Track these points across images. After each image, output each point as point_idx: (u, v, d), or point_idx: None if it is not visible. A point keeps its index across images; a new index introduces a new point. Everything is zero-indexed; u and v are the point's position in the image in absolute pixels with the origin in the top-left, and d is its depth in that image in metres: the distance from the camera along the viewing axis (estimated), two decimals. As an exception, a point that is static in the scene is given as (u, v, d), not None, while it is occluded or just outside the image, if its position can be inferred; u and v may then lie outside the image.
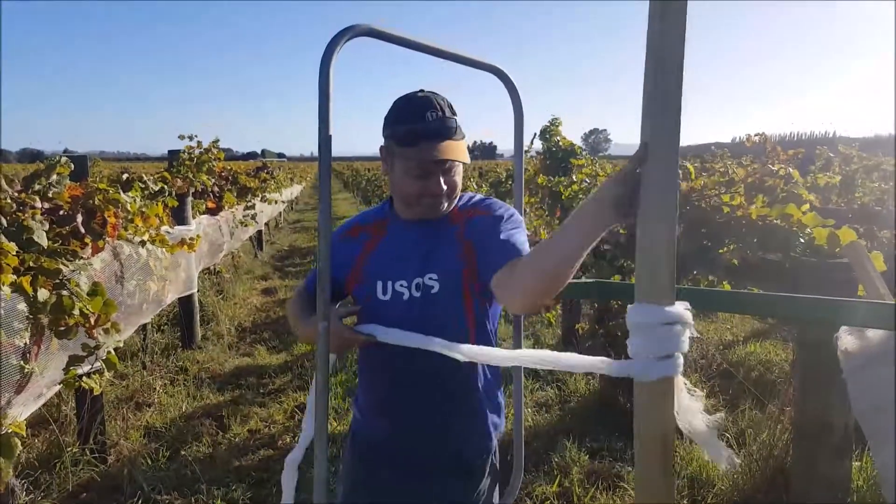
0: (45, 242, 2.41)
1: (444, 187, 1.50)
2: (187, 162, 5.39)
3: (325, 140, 1.28)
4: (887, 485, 1.27)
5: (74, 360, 2.50)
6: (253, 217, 8.28)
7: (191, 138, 5.57)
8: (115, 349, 2.64)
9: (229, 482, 3.42)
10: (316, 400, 1.39)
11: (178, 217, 5.04)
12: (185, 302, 5.53)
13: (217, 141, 5.79)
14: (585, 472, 3.50)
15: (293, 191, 20.80)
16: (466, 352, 1.35)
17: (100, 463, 3.46)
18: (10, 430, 1.89)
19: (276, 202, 11.67)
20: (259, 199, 9.24)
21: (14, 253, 2.08)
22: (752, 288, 2.96)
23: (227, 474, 3.51)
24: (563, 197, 5.31)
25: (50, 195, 2.77)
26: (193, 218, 5.50)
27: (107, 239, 2.94)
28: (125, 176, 3.74)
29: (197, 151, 5.55)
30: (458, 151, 1.48)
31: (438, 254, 1.55)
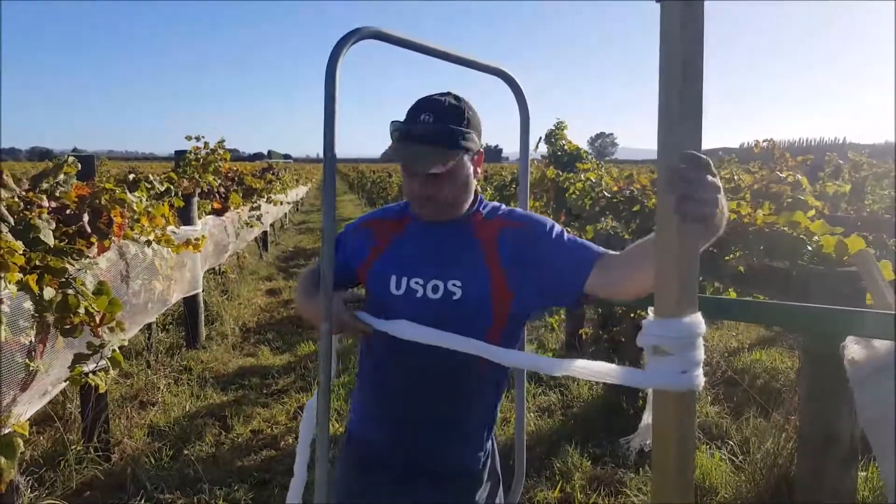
0: (51, 241, 2.42)
1: (420, 192, 1.49)
2: (194, 162, 5.41)
3: (330, 142, 1.28)
4: (893, 495, 1.26)
5: (80, 358, 2.51)
6: (258, 218, 8.30)
7: (197, 139, 5.59)
8: (120, 348, 2.64)
9: (232, 482, 3.42)
10: (318, 399, 1.39)
11: (184, 217, 5.06)
12: (190, 302, 5.55)
13: (223, 142, 5.81)
14: (587, 477, 3.48)
15: (299, 192, 20.84)
16: (477, 349, 1.33)
17: (103, 461, 3.47)
18: (13, 430, 1.89)
19: (281, 203, 11.69)
20: (265, 199, 9.26)
21: (21, 251, 2.08)
22: (757, 296, 2.94)
23: (229, 474, 3.52)
24: (568, 196, 5.28)
25: (57, 194, 2.78)
26: (199, 218, 5.51)
27: (113, 238, 2.95)
28: (132, 176, 3.76)
29: (203, 152, 5.58)
30: (423, 158, 1.44)
31: (461, 260, 1.52)
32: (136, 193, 3.36)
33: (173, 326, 5.96)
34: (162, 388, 4.59)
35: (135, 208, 3.22)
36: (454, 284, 1.49)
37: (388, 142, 1.53)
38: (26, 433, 2.02)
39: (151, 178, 3.92)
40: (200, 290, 5.58)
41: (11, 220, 2.33)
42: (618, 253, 1.43)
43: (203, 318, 5.91)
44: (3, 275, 2.03)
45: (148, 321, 4.22)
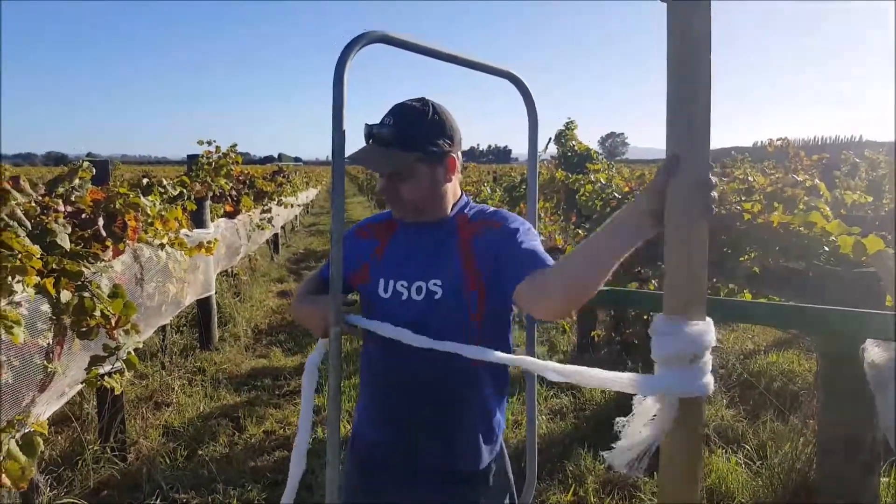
0: (67, 245, 2.44)
1: (383, 192, 1.56)
2: (206, 166, 5.45)
3: (339, 145, 1.30)
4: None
5: (96, 360, 2.53)
6: (269, 220, 8.33)
7: (209, 143, 5.63)
8: (135, 350, 2.67)
9: (245, 483, 3.44)
10: (329, 402, 1.40)
11: (197, 220, 5.09)
12: (203, 304, 5.58)
13: (235, 146, 5.85)
14: (601, 481, 3.45)
15: (309, 194, 20.92)
16: (465, 351, 1.34)
17: (120, 461, 3.50)
18: (33, 430, 1.92)
19: (291, 206, 11.74)
20: (275, 202, 9.30)
21: (38, 255, 2.11)
22: (773, 297, 2.90)
23: (242, 475, 3.54)
24: (579, 197, 5.26)
25: (72, 199, 2.81)
26: (212, 221, 5.54)
27: (127, 242, 2.97)
28: (145, 180, 3.78)
29: (215, 156, 5.61)
30: (378, 160, 1.53)
31: (442, 260, 1.56)
32: (149, 197, 3.39)
33: (187, 328, 6.00)
34: (176, 388, 4.63)
35: (148, 212, 3.24)
36: (435, 284, 1.53)
37: None
38: (46, 432, 2.04)
39: (164, 182, 3.95)
40: (213, 292, 5.62)
41: (29, 225, 2.35)
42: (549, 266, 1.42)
43: (216, 319, 5.94)
44: (21, 278, 2.05)
45: (162, 323, 4.26)
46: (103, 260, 2.74)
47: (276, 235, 11.17)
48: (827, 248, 2.46)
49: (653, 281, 3.93)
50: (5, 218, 2.28)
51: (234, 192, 6.58)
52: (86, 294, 2.40)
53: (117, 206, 2.92)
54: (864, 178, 6.11)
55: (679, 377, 0.97)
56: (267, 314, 7.28)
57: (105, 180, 3.45)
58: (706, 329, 0.97)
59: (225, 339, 6.01)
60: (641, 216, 1.10)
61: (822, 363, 2.49)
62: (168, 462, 3.62)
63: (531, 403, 1.81)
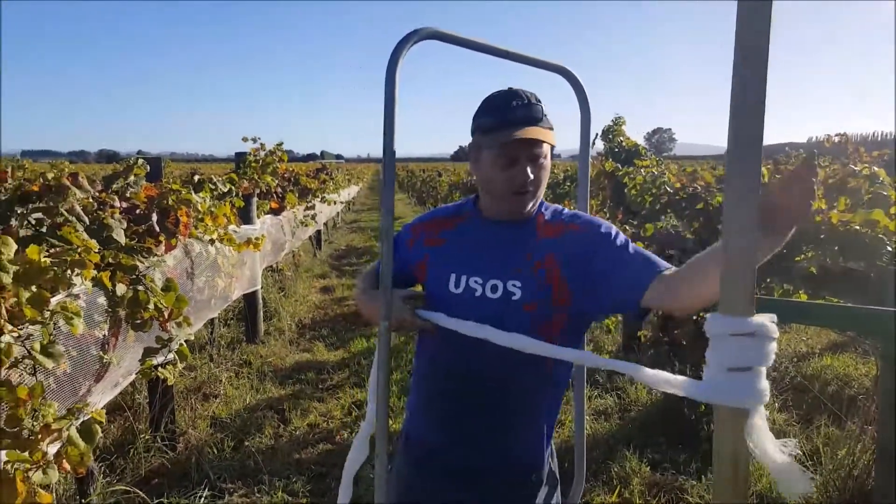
0: (123, 240, 2.53)
1: (531, 176, 1.47)
2: (253, 164, 5.56)
3: (389, 142, 1.29)
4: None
5: (150, 352, 2.62)
6: (313, 217, 8.46)
7: (255, 140, 5.74)
8: (186, 341, 2.75)
9: (290, 474, 3.51)
10: (377, 398, 1.38)
11: (244, 217, 5.21)
12: (250, 298, 5.70)
13: (281, 144, 5.96)
14: (646, 483, 3.40)
15: (350, 191, 21.13)
16: (532, 346, 1.29)
17: (169, 450, 3.61)
18: (91, 417, 2.00)
19: (334, 203, 11.88)
20: (319, 199, 9.44)
21: (95, 250, 2.19)
22: (830, 298, 2.80)
23: (287, 467, 3.61)
24: (628, 192, 5.17)
25: (128, 195, 2.92)
26: (258, 218, 5.67)
27: (179, 237, 3.07)
28: (196, 177, 3.89)
29: (262, 154, 5.72)
30: (544, 135, 1.45)
31: (522, 261, 1.51)
32: (200, 194, 3.49)
33: (234, 322, 6.15)
34: (224, 380, 4.74)
35: (199, 208, 3.34)
36: (514, 285, 1.48)
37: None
38: (103, 421, 2.13)
39: (214, 179, 4.06)
40: (259, 286, 5.74)
41: (87, 220, 2.45)
42: (677, 269, 1.40)
43: (262, 314, 6.07)
44: (79, 272, 2.14)
45: (211, 316, 4.37)
46: (156, 254, 2.84)
47: (318, 232, 11.33)
48: (890, 248, 2.36)
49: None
50: (65, 213, 2.38)
51: (279, 190, 6.71)
52: (140, 287, 2.49)
53: (170, 202, 3.02)
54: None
55: (732, 385, 0.92)
56: (310, 309, 7.40)
57: (158, 177, 3.57)
58: (768, 335, 0.91)
59: (270, 332, 6.14)
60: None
61: (883, 367, 2.39)
62: (216, 452, 3.71)
63: (579, 403, 1.78)
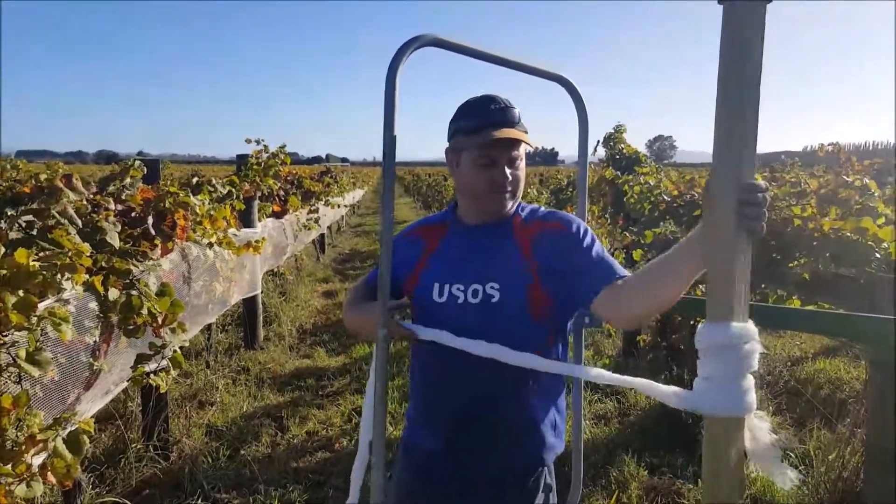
0: (117, 243, 2.47)
1: (510, 177, 1.52)
2: (255, 166, 5.51)
3: (390, 146, 1.30)
4: None
5: (142, 359, 2.55)
6: (316, 220, 8.41)
7: (258, 142, 5.69)
8: (181, 348, 2.69)
9: (287, 483, 3.44)
10: (375, 405, 1.41)
11: (245, 220, 5.15)
12: (249, 303, 5.64)
13: (284, 147, 5.91)
14: (644, 487, 3.40)
15: (355, 195, 21.11)
16: (517, 358, 1.35)
17: (163, 460, 3.54)
18: (79, 427, 1.93)
19: (338, 206, 11.85)
20: (322, 202, 9.39)
21: (88, 253, 2.13)
22: (823, 304, 2.85)
23: (284, 475, 3.54)
24: (627, 199, 5.16)
25: (123, 197, 2.85)
26: (259, 221, 5.61)
27: (176, 241, 3.01)
28: (195, 179, 3.84)
29: (264, 156, 5.67)
30: (521, 136, 1.51)
31: (499, 262, 1.54)
32: (198, 197, 3.43)
33: (232, 327, 6.09)
34: (220, 388, 4.68)
35: (197, 211, 3.28)
36: (492, 287, 1.52)
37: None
38: (92, 430, 2.06)
39: (214, 181, 4.00)
40: (259, 291, 5.68)
41: (80, 223, 2.39)
42: (628, 277, 1.42)
43: (261, 319, 6.00)
44: (70, 276, 2.08)
45: (208, 322, 4.31)
46: (152, 258, 2.78)
47: (322, 236, 11.29)
48: (879, 255, 2.38)
49: (700, 287, 3.85)
50: (57, 215, 2.32)
51: (281, 192, 6.66)
52: (133, 292, 2.43)
53: (167, 204, 2.96)
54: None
55: (721, 396, 0.97)
56: (312, 314, 7.34)
57: (156, 179, 3.51)
58: (752, 349, 0.96)
59: (269, 338, 6.08)
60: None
61: (871, 371, 2.44)
62: (210, 461, 3.65)
63: (577, 408, 1.81)
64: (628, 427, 4.17)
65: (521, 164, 1.55)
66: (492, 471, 1.58)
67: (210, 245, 3.59)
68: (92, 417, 2.26)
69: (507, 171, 1.52)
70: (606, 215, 6.00)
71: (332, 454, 3.82)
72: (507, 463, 1.58)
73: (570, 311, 1.59)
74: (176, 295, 2.62)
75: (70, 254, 2.08)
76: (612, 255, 1.76)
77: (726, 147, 0.92)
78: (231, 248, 3.79)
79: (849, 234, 2.60)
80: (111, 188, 2.88)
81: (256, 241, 4.27)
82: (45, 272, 1.92)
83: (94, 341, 2.29)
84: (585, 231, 1.55)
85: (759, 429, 0.99)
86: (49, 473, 1.84)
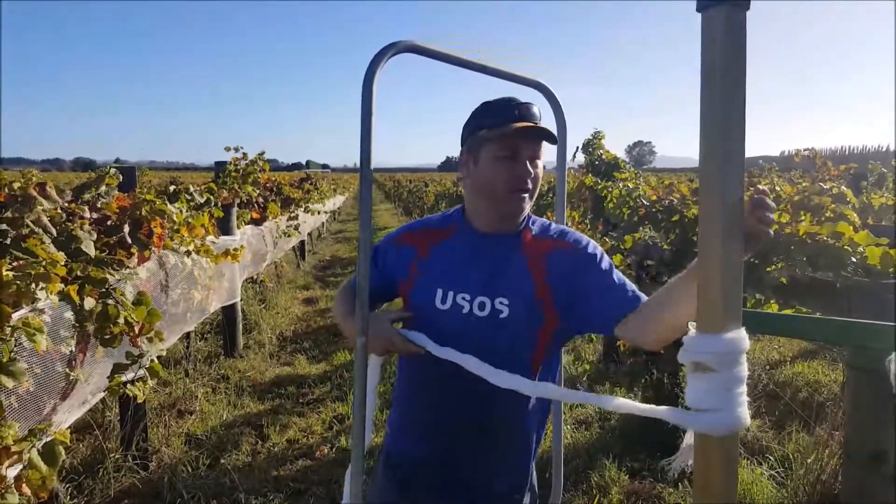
0: (92, 252, 2.47)
1: (531, 172, 1.48)
2: (233, 173, 5.50)
3: (367, 153, 1.29)
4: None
5: (119, 368, 2.55)
6: (296, 227, 8.39)
7: (237, 150, 5.68)
8: (159, 357, 2.68)
9: (267, 492, 3.44)
10: (354, 411, 1.39)
11: (224, 227, 5.14)
12: (229, 311, 5.62)
13: (263, 153, 5.90)
14: (625, 492, 3.42)
15: (336, 201, 21.07)
16: (514, 383, 1.25)
17: (141, 469, 3.52)
18: (54, 438, 1.93)
19: (318, 212, 11.81)
20: (302, 209, 9.36)
21: (62, 262, 2.13)
22: (800, 308, 2.89)
23: (265, 484, 3.53)
24: (606, 205, 5.21)
25: (99, 205, 2.85)
26: (238, 228, 5.59)
27: (153, 249, 3.00)
28: (172, 187, 3.83)
29: (243, 163, 5.66)
30: (544, 128, 1.48)
31: (508, 277, 1.50)
32: (176, 204, 3.43)
33: (211, 335, 6.05)
34: (200, 396, 4.65)
35: (175, 219, 3.27)
36: (501, 302, 1.48)
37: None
38: (68, 441, 2.06)
39: (191, 188, 3.99)
40: (238, 299, 5.66)
41: (54, 232, 2.38)
42: (646, 302, 1.41)
43: (241, 326, 5.97)
44: (44, 285, 2.07)
45: (186, 330, 4.29)
46: (128, 267, 2.77)
47: (302, 242, 11.26)
48: (855, 259, 2.43)
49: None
50: (31, 224, 2.31)
51: (260, 199, 6.64)
52: (110, 301, 2.42)
53: (143, 212, 2.95)
54: (891, 188, 6.00)
55: (720, 414, 0.89)
56: (292, 321, 7.32)
57: (132, 187, 3.50)
58: (739, 339, 0.93)
59: (249, 346, 6.05)
60: None
61: (849, 375, 2.49)
62: (190, 471, 3.63)
63: (558, 414, 1.80)
64: (609, 431, 4.19)
65: (541, 164, 1.51)
66: (476, 479, 1.56)
67: (188, 253, 3.58)
68: (69, 428, 2.26)
69: (528, 165, 1.48)
70: (586, 221, 6.05)
71: (313, 462, 3.82)
72: (493, 473, 1.56)
73: (578, 331, 1.57)
74: (153, 304, 2.62)
75: (44, 263, 2.08)
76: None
77: (713, 162, 0.90)
78: (209, 256, 3.79)
79: (825, 238, 2.63)
80: (86, 196, 2.87)
81: (235, 249, 4.26)
82: (18, 282, 1.92)
83: (71, 351, 2.29)
84: (602, 254, 1.52)
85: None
86: (24, 485, 1.84)
